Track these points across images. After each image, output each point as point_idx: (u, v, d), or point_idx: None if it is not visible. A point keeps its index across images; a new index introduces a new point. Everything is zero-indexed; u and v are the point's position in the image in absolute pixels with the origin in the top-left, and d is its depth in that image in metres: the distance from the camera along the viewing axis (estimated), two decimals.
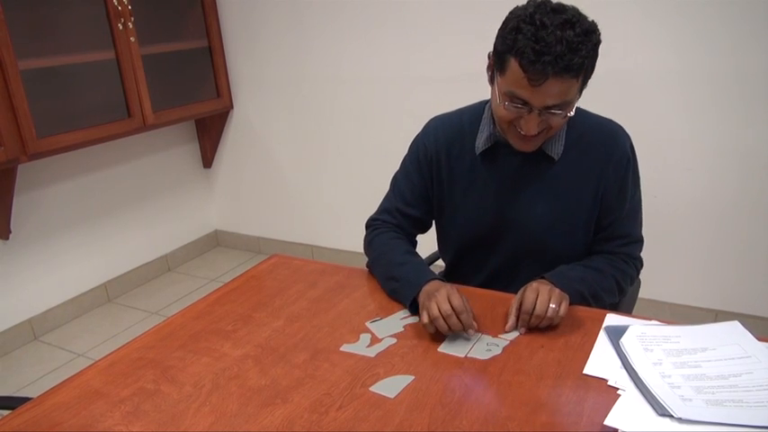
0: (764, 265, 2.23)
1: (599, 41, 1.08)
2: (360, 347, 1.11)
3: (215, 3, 3.00)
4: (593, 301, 1.22)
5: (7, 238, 2.51)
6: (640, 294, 1.51)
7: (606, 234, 1.28)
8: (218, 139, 3.35)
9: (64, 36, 2.58)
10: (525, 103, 1.10)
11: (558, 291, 1.12)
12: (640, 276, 1.48)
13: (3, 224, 2.46)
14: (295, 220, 3.30)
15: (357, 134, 2.93)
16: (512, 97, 1.10)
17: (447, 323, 1.08)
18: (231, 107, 3.22)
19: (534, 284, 1.13)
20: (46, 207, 2.67)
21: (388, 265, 1.30)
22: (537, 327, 1.10)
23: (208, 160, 3.41)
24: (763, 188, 2.15)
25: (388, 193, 1.44)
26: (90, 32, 2.57)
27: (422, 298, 1.15)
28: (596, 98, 2.25)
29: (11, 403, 1.06)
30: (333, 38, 2.80)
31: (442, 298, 1.09)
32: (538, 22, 1.04)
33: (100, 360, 1.13)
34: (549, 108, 1.09)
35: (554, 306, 1.08)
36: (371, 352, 1.09)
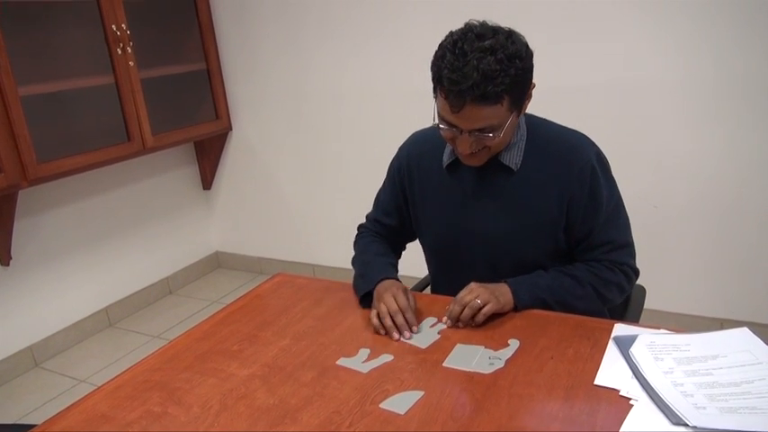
0: None
1: (525, 66, 1.12)
2: (355, 362, 1.10)
3: (212, 26, 3.04)
4: (560, 309, 1.24)
5: (8, 264, 2.50)
6: (645, 305, 1.51)
7: (588, 243, 1.29)
8: (218, 160, 3.36)
9: (63, 61, 2.60)
10: (455, 126, 1.15)
11: (488, 292, 1.18)
12: (644, 286, 1.48)
13: (3, 250, 2.46)
14: (296, 239, 3.30)
15: (356, 152, 2.94)
16: (443, 120, 1.17)
17: (393, 320, 1.17)
18: (230, 128, 3.24)
19: (472, 284, 1.20)
20: (46, 232, 2.66)
21: (359, 265, 1.41)
22: (462, 318, 1.17)
23: (207, 182, 3.41)
24: (765, 194, 2.15)
25: (373, 205, 1.55)
26: (89, 57, 2.59)
27: (375, 296, 1.26)
28: (596, 107, 2.29)
29: (16, 431, 1.05)
30: (330, 57, 2.83)
31: (389, 297, 1.20)
32: (458, 51, 1.09)
33: (106, 384, 1.12)
34: (477, 131, 1.14)
35: (479, 301, 1.16)
36: (365, 368, 1.08)
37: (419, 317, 1.23)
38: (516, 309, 1.23)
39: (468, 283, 1.24)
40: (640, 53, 2.19)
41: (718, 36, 2.06)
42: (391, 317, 1.18)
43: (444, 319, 1.21)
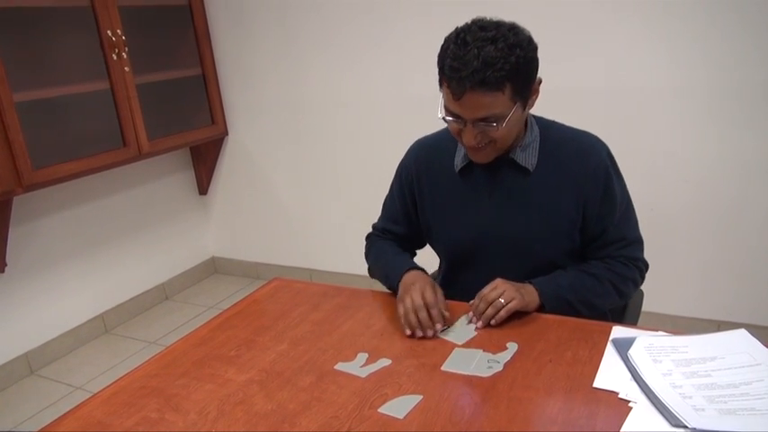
0: (765, 274, 2.23)
1: (528, 55, 1.13)
2: (353, 367, 1.10)
3: (208, 31, 3.04)
4: (583, 308, 1.25)
5: (3, 271, 2.49)
6: (642, 308, 1.51)
7: (602, 241, 1.30)
8: (214, 165, 3.35)
9: (58, 67, 2.59)
10: (460, 116, 1.16)
11: (513, 289, 1.18)
12: (642, 289, 1.49)
13: None
14: (293, 244, 3.29)
15: (352, 157, 2.94)
16: (448, 111, 1.18)
17: (417, 316, 1.16)
18: (226, 133, 3.23)
19: (498, 280, 1.20)
20: (41, 238, 2.65)
21: (381, 268, 1.40)
22: (485, 316, 1.17)
23: (203, 187, 3.40)
24: (760, 197, 2.16)
25: (380, 214, 1.53)
26: (84, 63, 2.59)
27: (400, 289, 1.26)
28: (594, 112, 2.29)
29: None
30: (327, 62, 2.83)
31: (416, 292, 1.19)
32: (460, 41, 1.12)
33: (102, 390, 1.11)
34: (480, 120, 1.15)
35: (502, 300, 1.16)
36: (363, 372, 1.08)
37: (453, 315, 1.23)
38: (543, 309, 1.23)
39: (484, 282, 1.24)
40: (635, 57, 2.20)
41: (713, 39, 2.07)
42: (415, 312, 1.17)
43: (470, 314, 1.20)
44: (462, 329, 1.18)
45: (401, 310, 1.20)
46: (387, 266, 1.38)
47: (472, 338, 1.15)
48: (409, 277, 1.27)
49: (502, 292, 1.17)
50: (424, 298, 1.18)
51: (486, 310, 1.17)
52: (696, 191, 2.25)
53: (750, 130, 2.11)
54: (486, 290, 1.19)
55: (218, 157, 3.32)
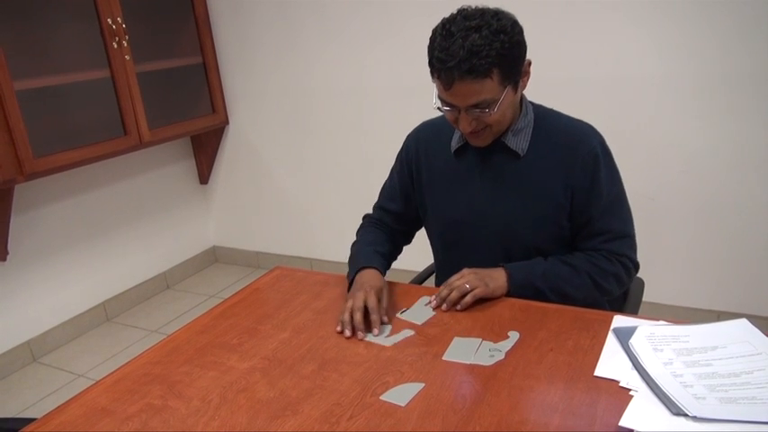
0: (764, 264, 2.24)
1: (513, 39, 1.14)
2: (379, 338, 1.15)
3: (208, 19, 3.02)
4: (554, 296, 1.26)
5: (5, 260, 2.49)
6: (643, 298, 1.51)
7: (587, 231, 1.30)
8: (215, 154, 3.35)
9: (59, 56, 2.59)
10: (453, 105, 1.19)
11: (477, 278, 1.23)
12: (643, 279, 1.49)
13: (0, 245, 2.45)
14: (293, 233, 3.30)
15: (353, 146, 2.93)
16: (441, 101, 1.22)
17: (352, 317, 1.18)
18: (227, 122, 3.23)
19: (464, 270, 1.25)
20: (43, 227, 2.65)
21: (350, 254, 1.43)
22: (449, 300, 1.22)
23: (204, 176, 3.40)
24: (758, 186, 2.16)
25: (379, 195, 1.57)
26: (85, 51, 2.58)
27: (353, 286, 1.28)
28: (590, 104, 2.29)
29: (15, 425, 1.05)
30: (328, 51, 2.82)
31: (360, 295, 1.20)
32: (446, 32, 1.14)
33: (105, 377, 1.12)
34: (473, 107, 1.17)
35: (468, 286, 1.21)
36: (388, 342, 1.14)
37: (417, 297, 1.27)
38: (508, 293, 1.25)
39: (474, 265, 1.26)
40: (632, 51, 2.19)
41: (709, 33, 2.06)
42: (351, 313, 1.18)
43: (431, 298, 1.26)
44: (421, 310, 1.23)
45: (344, 308, 1.21)
46: (351, 258, 1.40)
47: (430, 318, 1.20)
48: (362, 276, 1.29)
49: (467, 281, 1.23)
50: (366, 302, 1.19)
51: (449, 294, 1.22)
52: (697, 181, 2.25)
53: (752, 121, 2.10)
54: (452, 279, 1.25)
55: (218, 146, 3.32)
